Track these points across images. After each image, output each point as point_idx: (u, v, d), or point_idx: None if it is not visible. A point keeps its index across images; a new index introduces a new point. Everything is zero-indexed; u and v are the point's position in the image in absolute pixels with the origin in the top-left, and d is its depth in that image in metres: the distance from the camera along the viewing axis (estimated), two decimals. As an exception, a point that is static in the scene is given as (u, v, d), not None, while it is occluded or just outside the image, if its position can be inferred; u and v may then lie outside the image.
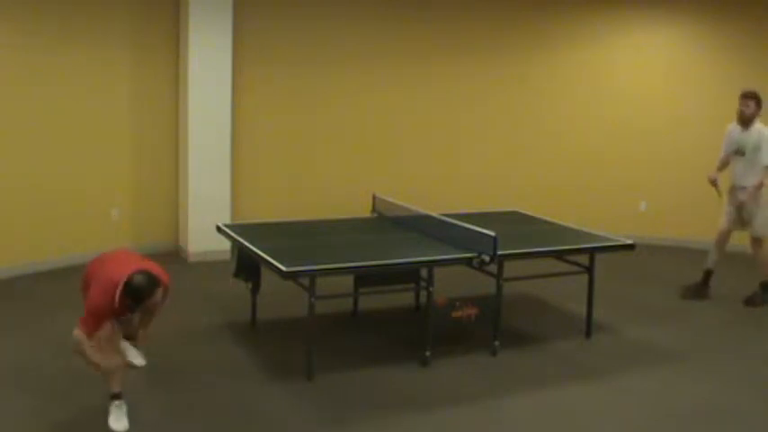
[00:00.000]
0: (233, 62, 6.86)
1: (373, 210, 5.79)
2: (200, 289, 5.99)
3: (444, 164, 8.14)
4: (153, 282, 3.37)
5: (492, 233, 4.33)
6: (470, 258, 4.34)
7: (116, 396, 3.50)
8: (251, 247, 4.46)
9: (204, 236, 6.59)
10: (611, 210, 8.13)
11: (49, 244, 6.36)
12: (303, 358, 4.22)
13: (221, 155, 6.88)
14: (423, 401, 3.96)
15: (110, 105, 6.73)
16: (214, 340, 4.81)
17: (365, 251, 4.61)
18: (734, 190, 5.91)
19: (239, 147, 7.26)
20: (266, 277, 4.75)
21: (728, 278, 6.44)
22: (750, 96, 5.74)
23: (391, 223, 5.44)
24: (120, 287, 3.32)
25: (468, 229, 4.59)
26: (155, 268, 3.52)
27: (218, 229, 5.10)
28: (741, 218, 5.87)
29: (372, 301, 5.21)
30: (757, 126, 5.75)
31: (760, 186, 5.70)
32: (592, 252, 4.95)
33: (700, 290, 6.07)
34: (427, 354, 4.40)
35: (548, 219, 5.84)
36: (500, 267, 4.51)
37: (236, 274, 4.98)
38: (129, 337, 4.10)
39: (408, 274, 4.61)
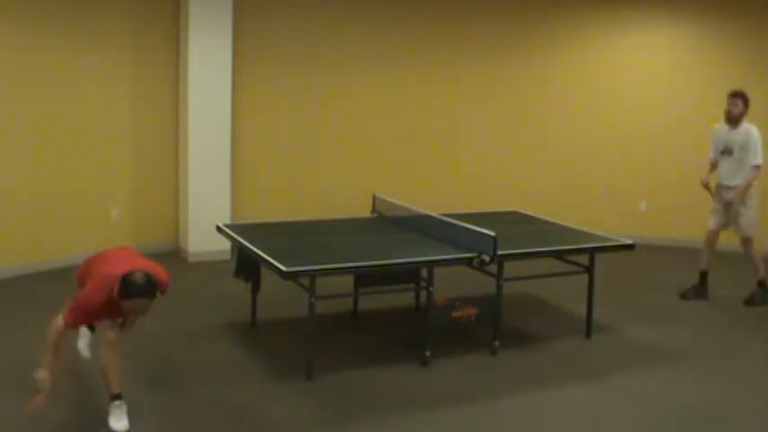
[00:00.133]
0: (233, 62, 6.86)
1: (373, 210, 5.79)
2: (200, 289, 5.99)
3: (444, 164, 8.14)
4: (152, 284, 3.35)
5: (492, 233, 4.33)
6: (470, 258, 4.34)
7: (116, 396, 3.50)
8: (251, 247, 4.46)
9: (204, 236, 6.59)
10: (611, 210, 8.13)
11: (49, 244, 6.36)
12: (303, 358, 4.22)
13: (221, 155, 6.88)
14: (423, 401, 3.96)
15: (110, 105, 6.73)
16: (214, 340, 4.81)
17: (365, 251, 4.61)
18: (721, 189, 5.92)
19: (239, 147, 7.25)
20: (266, 277, 4.75)
21: (727, 278, 6.44)
22: (738, 95, 5.76)
23: (391, 223, 5.44)
24: (116, 284, 3.31)
25: (468, 229, 4.59)
26: (155, 268, 3.52)
27: (218, 229, 5.10)
28: (729, 217, 5.88)
29: (372, 301, 5.21)
30: (745, 125, 5.76)
31: (748, 186, 5.70)
32: (592, 252, 4.95)
33: (699, 290, 6.07)
34: (427, 354, 4.40)
35: (548, 219, 5.84)
36: (500, 267, 4.51)
37: (236, 274, 4.98)
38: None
39: (408, 274, 4.60)
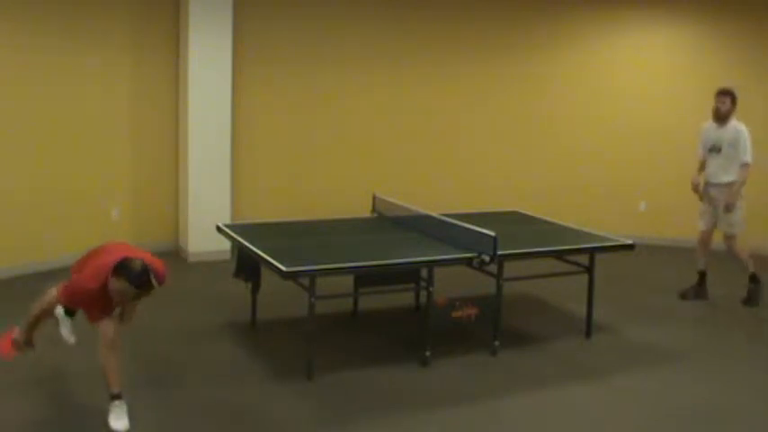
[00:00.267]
0: (233, 62, 6.86)
1: (373, 210, 5.79)
2: (200, 289, 5.99)
3: (444, 164, 8.15)
4: (146, 274, 3.34)
5: (492, 233, 4.33)
6: (470, 258, 4.34)
7: (116, 396, 3.50)
8: (251, 247, 4.46)
9: (204, 236, 6.59)
10: (611, 210, 8.13)
11: (49, 244, 6.36)
12: (303, 358, 4.21)
13: (221, 155, 6.88)
14: (423, 401, 3.96)
15: (110, 105, 6.73)
16: (214, 340, 4.81)
17: (365, 251, 4.61)
18: (708, 187, 5.92)
19: (239, 147, 7.25)
20: (266, 277, 4.75)
21: (726, 278, 6.44)
22: (726, 93, 5.77)
23: (391, 223, 5.44)
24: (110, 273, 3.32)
25: (468, 229, 4.59)
26: (154, 260, 3.53)
27: (218, 229, 5.10)
28: (717, 215, 5.87)
29: (372, 301, 5.21)
30: (733, 123, 5.77)
31: (742, 185, 5.70)
32: (592, 252, 4.95)
33: (698, 291, 6.06)
34: (427, 354, 4.40)
35: (548, 219, 5.84)
36: (500, 267, 4.51)
37: (236, 274, 4.98)
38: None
39: (408, 274, 4.60)
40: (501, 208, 6.59)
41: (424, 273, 4.48)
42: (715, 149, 5.83)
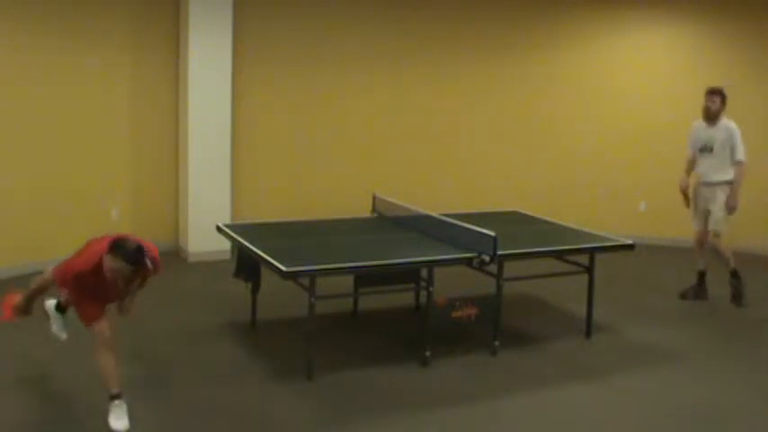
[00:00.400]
0: (233, 62, 6.86)
1: (373, 210, 5.79)
2: (200, 289, 5.99)
3: (444, 164, 8.14)
4: (140, 253, 3.38)
5: (492, 233, 4.33)
6: (470, 258, 4.34)
7: (116, 396, 3.50)
8: (251, 247, 4.46)
9: (204, 236, 6.59)
10: (611, 210, 8.13)
11: (49, 244, 6.35)
12: (303, 358, 4.21)
13: (221, 155, 6.88)
14: (423, 401, 3.96)
15: (110, 105, 6.73)
16: (214, 340, 4.81)
17: (365, 251, 4.62)
18: (701, 186, 5.92)
19: (239, 147, 7.25)
20: (266, 277, 4.75)
21: (725, 278, 6.43)
22: (716, 92, 5.78)
23: (391, 223, 5.44)
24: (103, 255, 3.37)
25: (468, 229, 4.59)
26: (150, 246, 3.57)
27: (218, 229, 5.10)
28: (707, 213, 5.87)
29: (372, 301, 5.21)
30: (724, 121, 5.77)
31: (740, 184, 5.69)
32: (592, 252, 4.95)
33: (698, 291, 6.06)
34: (427, 354, 4.40)
35: (548, 219, 5.84)
36: (500, 267, 4.51)
37: (236, 274, 4.98)
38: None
39: (408, 274, 4.60)
40: (501, 208, 6.59)
41: (424, 273, 4.48)
42: (706, 149, 5.83)
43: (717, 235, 5.84)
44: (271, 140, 7.49)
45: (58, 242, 6.39)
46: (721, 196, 5.76)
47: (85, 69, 6.49)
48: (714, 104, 5.76)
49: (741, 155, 5.67)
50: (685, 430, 3.74)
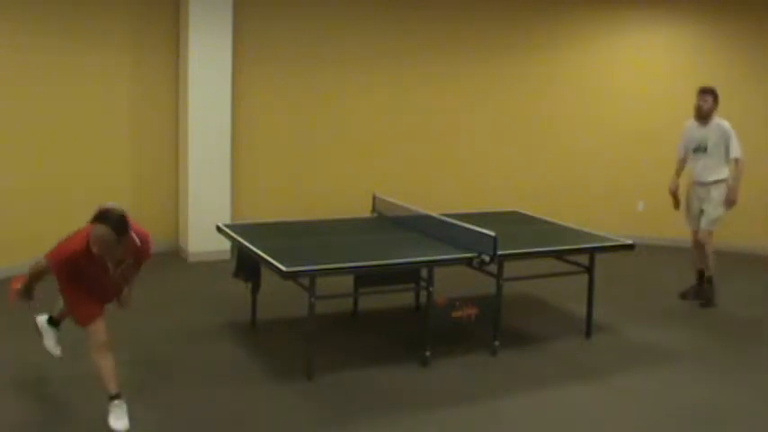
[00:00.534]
0: (233, 62, 6.86)
1: (373, 210, 5.79)
2: (200, 289, 5.99)
3: (444, 164, 8.15)
4: (123, 220, 3.39)
5: (492, 233, 4.33)
6: (470, 258, 4.35)
7: (115, 396, 3.50)
8: (251, 247, 4.46)
9: (204, 236, 6.59)
10: (611, 210, 8.13)
11: (49, 244, 6.33)
12: (303, 358, 4.22)
13: (221, 155, 6.88)
14: (423, 401, 3.96)
15: (110, 105, 6.73)
16: (214, 340, 4.81)
17: (365, 251, 4.62)
18: (696, 186, 5.91)
19: (239, 147, 7.25)
20: (266, 277, 4.75)
21: (725, 278, 6.43)
22: (708, 92, 5.78)
23: (391, 223, 5.44)
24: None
25: (468, 229, 4.59)
26: (142, 230, 3.60)
27: (218, 229, 5.10)
28: (700, 212, 5.86)
29: (372, 301, 5.21)
30: (716, 121, 5.77)
31: (740, 181, 5.69)
32: (592, 252, 4.95)
33: (698, 291, 6.06)
34: (427, 354, 4.40)
35: (548, 219, 5.84)
36: (500, 267, 4.51)
37: (236, 274, 4.98)
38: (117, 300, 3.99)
39: (408, 274, 4.60)
40: (501, 208, 6.59)
41: (424, 273, 4.48)
42: (700, 149, 5.83)
43: (708, 233, 5.83)
44: (271, 140, 7.49)
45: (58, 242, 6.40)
46: (715, 195, 5.76)
47: (85, 69, 6.49)
48: (706, 103, 5.75)
49: (737, 152, 5.66)
50: (685, 430, 3.74)
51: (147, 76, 6.92)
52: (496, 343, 4.63)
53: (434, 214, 5.11)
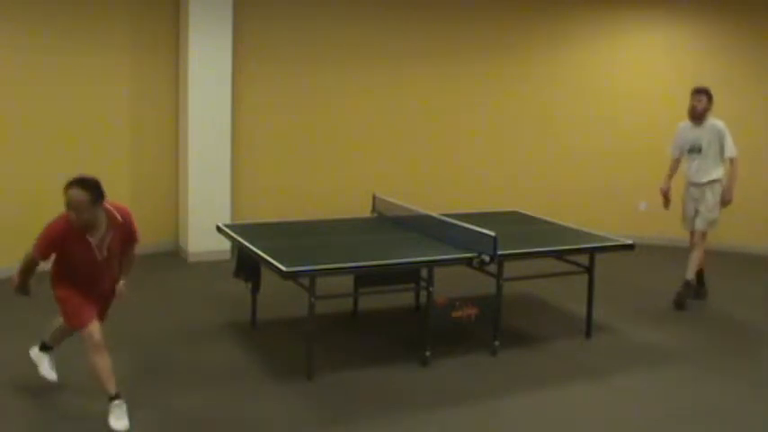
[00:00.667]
0: (233, 62, 6.86)
1: (373, 210, 5.79)
2: (200, 289, 5.99)
3: (444, 164, 8.14)
4: (91, 181, 3.52)
5: (492, 233, 4.33)
6: (470, 258, 4.34)
7: (115, 396, 3.50)
8: (251, 247, 4.46)
9: (204, 236, 6.59)
10: (611, 210, 8.13)
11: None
12: (303, 358, 4.21)
13: (221, 155, 6.88)
14: (423, 401, 3.96)
15: (110, 105, 6.73)
16: (214, 340, 4.81)
17: (365, 251, 4.62)
18: (691, 187, 5.91)
19: (239, 147, 7.25)
20: (266, 277, 4.75)
21: (724, 278, 6.44)
22: (702, 92, 5.77)
23: (391, 223, 5.44)
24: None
25: (468, 229, 4.59)
26: (120, 205, 3.71)
27: (218, 229, 5.10)
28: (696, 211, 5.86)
29: (372, 301, 5.21)
30: (710, 121, 5.77)
31: (736, 180, 5.69)
32: (592, 252, 4.95)
33: (698, 291, 6.06)
34: (427, 354, 4.40)
35: (548, 219, 5.84)
36: (500, 267, 4.51)
37: (236, 274, 4.98)
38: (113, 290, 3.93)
39: (408, 274, 4.60)
40: (501, 208, 6.60)
41: (424, 273, 4.48)
42: (695, 150, 5.82)
43: (703, 234, 5.83)
44: (271, 140, 7.49)
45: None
46: (710, 197, 5.76)
47: (85, 69, 6.49)
48: (701, 104, 5.75)
49: (732, 151, 5.66)
50: (685, 430, 3.74)
51: (147, 76, 6.92)
52: (496, 343, 4.63)
53: (434, 214, 5.11)
